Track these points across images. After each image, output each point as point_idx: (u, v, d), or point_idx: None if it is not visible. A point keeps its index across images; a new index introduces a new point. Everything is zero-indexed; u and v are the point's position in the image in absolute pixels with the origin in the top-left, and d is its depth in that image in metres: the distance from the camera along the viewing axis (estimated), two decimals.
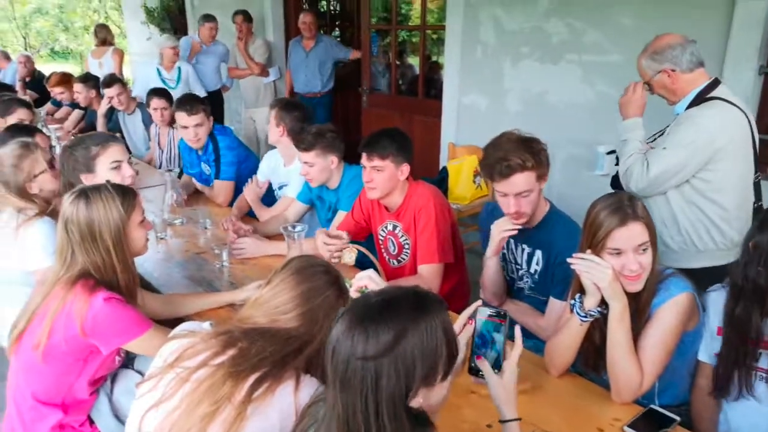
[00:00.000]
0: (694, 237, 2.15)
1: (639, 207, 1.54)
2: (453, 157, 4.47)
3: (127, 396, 1.69)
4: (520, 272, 2.12)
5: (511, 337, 1.36)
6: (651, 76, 2.16)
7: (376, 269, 1.82)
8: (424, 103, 5.16)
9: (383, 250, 2.46)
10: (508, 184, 1.90)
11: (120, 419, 1.68)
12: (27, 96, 5.84)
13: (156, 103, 3.87)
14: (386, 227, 2.42)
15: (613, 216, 1.52)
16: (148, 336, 1.57)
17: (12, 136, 2.45)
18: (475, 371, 1.36)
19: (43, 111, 5.62)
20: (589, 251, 1.56)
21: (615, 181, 2.33)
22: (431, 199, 2.28)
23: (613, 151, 2.45)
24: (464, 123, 4.56)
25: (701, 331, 1.66)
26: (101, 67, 6.09)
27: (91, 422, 1.67)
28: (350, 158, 2.74)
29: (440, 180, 4.14)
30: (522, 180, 1.88)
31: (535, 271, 2.05)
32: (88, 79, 5.01)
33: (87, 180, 2.07)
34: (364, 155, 2.26)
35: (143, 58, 8.44)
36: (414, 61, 5.86)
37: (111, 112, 4.60)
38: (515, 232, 1.97)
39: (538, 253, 2.03)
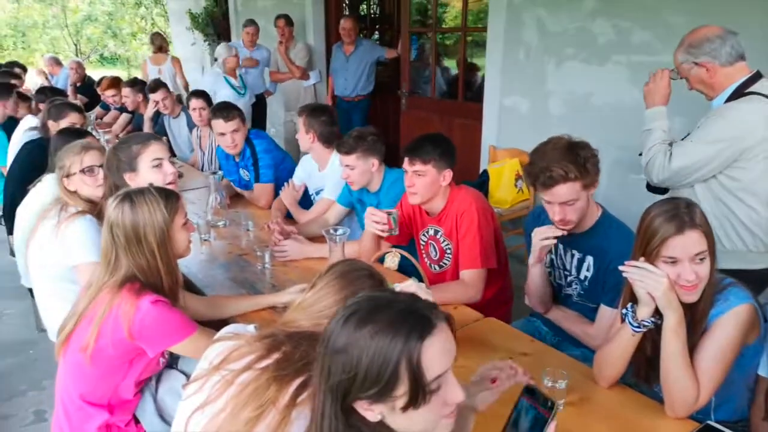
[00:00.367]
0: (722, 236, 2.07)
1: (697, 214, 1.47)
2: (493, 160, 4.40)
3: (172, 396, 1.71)
4: (569, 278, 2.06)
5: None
6: (687, 71, 2.11)
7: (419, 275, 1.80)
8: (464, 105, 5.11)
9: (424, 255, 2.43)
10: (551, 193, 1.85)
11: (164, 419, 1.70)
12: (78, 100, 6.05)
13: (195, 103, 3.97)
14: (428, 232, 2.39)
15: (669, 223, 1.45)
16: (193, 339, 1.58)
17: (64, 139, 2.54)
18: None
19: (92, 115, 5.80)
20: (642, 259, 1.50)
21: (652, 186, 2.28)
22: (473, 203, 2.24)
23: None
24: (505, 125, 4.50)
25: (763, 345, 1.58)
26: (161, 74, 6.36)
27: (137, 422, 1.69)
28: (389, 162, 2.73)
29: (480, 183, 4.10)
30: (565, 190, 1.83)
31: (585, 277, 1.99)
32: (135, 83, 5.15)
33: (130, 179, 2.11)
34: (406, 159, 2.24)
35: (188, 63, 8.64)
36: (450, 63, 5.82)
37: (157, 116, 4.71)
38: (554, 241, 1.91)
39: (589, 259, 1.96)
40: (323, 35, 6.45)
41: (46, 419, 2.62)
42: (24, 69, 6.76)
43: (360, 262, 1.36)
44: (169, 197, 1.65)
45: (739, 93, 2.03)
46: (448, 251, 2.32)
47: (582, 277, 2.01)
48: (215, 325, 1.91)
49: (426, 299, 1.03)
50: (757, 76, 2.05)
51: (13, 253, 4.30)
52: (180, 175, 2.62)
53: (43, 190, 2.49)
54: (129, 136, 2.29)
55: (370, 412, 0.94)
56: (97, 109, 6.06)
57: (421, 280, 1.79)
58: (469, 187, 2.39)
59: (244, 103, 5.29)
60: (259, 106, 6.05)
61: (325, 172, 3.01)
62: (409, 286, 1.35)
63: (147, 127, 4.65)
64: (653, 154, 2.11)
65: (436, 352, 0.95)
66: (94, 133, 4.21)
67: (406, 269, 2.19)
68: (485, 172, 4.26)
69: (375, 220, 2.25)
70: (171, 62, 6.57)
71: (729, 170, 2.02)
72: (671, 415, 1.49)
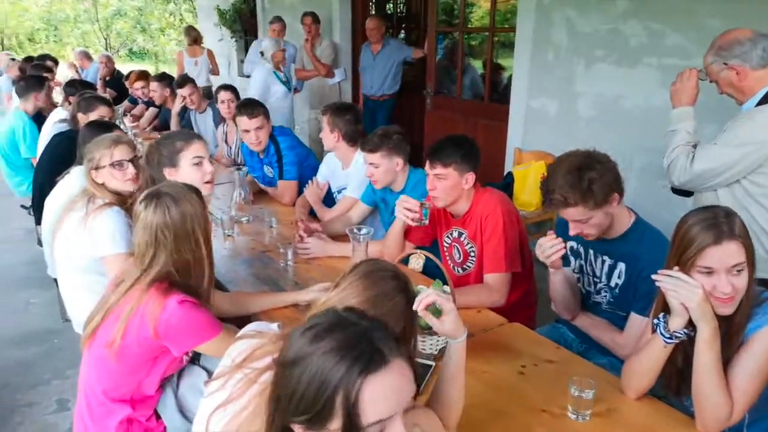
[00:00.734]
0: None
1: (737, 224, 1.41)
2: (519, 163, 4.34)
3: (193, 392, 1.71)
4: (599, 285, 2.01)
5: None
6: (717, 73, 2.06)
7: (443, 277, 1.77)
8: (490, 106, 5.05)
9: (448, 258, 2.40)
10: (561, 213, 1.83)
11: (185, 415, 1.70)
12: (107, 94, 6.13)
13: (223, 95, 4.04)
14: (451, 234, 2.36)
15: (706, 232, 1.40)
16: (218, 339, 1.58)
17: (92, 131, 2.56)
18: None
19: (121, 108, 5.88)
20: (676, 268, 1.45)
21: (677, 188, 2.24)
22: (498, 206, 2.20)
23: None
24: (531, 127, 4.43)
25: None
26: (197, 65, 6.67)
27: (158, 417, 1.70)
28: (412, 162, 2.70)
29: (505, 185, 4.04)
30: (571, 212, 1.80)
31: (616, 285, 1.94)
32: (163, 78, 5.20)
33: (169, 174, 2.14)
34: (427, 162, 2.22)
35: (216, 59, 8.72)
36: (476, 63, 5.77)
37: (184, 111, 4.75)
38: (557, 258, 1.87)
39: (621, 266, 1.91)
40: (349, 33, 6.45)
41: (69, 408, 2.66)
42: (56, 62, 6.88)
43: (384, 262, 1.33)
44: (198, 191, 1.67)
45: None
46: (472, 254, 2.29)
47: (612, 284, 1.96)
48: (237, 321, 1.92)
49: (385, 331, 0.90)
50: None
51: (41, 243, 4.39)
52: None
53: (71, 182, 2.51)
54: (172, 132, 2.34)
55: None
56: (125, 103, 6.15)
57: (445, 282, 1.77)
58: (494, 189, 2.35)
59: (291, 98, 5.34)
60: None
61: (349, 170, 3.01)
62: (429, 294, 1.32)
63: (174, 122, 4.70)
64: (676, 155, 2.08)
65: (381, 393, 0.82)
66: (121, 126, 4.26)
67: (430, 271, 2.17)
68: (510, 174, 4.20)
69: (407, 207, 2.22)
70: (206, 54, 6.77)
71: (753, 175, 1.98)
72: (702, 430, 1.45)
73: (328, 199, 3.13)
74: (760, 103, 1.99)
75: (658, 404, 1.57)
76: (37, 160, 3.63)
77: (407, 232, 2.42)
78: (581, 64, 3.97)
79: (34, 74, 4.94)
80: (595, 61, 3.88)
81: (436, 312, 1.34)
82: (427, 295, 1.32)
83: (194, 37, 6.88)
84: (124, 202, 2.18)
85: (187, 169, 2.16)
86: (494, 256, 2.14)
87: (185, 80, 4.64)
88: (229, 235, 2.73)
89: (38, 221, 3.31)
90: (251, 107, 3.18)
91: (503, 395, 1.58)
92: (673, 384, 1.57)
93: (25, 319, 3.47)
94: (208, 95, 6.26)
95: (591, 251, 2.02)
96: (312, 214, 3.01)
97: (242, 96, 4.21)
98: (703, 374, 1.43)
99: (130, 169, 2.20)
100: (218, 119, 4.49)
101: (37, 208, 3.31)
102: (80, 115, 3.35)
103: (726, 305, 1.42)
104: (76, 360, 2.96)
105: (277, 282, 2.28)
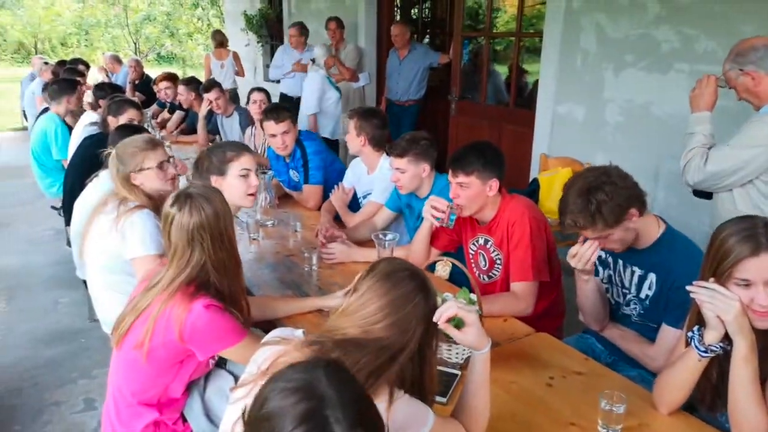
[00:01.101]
0: None
1: None
2: (545, 169, 4.30)
3: (219, 396, 1.71)
4: (628, 297, 1.96)
5: None
6: (734, 79, 2.15)
7: (469, 284, 1.75)
8: (515, 112, 5.01)
9: (473, 265, 2.38)
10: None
11: (211, 419, 1.70)
12: (136, 97, 6.23)
13: (256, 96, 4.13)
14: (477, 241, 2.33)
15: (744, 243, 1.36)
16: (242, 345, 1.58)
17: (123, 135, 2.59)
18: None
19: (149, 112, 5.97)
20: (712, 280, 1.41)
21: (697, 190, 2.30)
22: (526, 214, 2.17)
23: None
24: (558, 133, 4.38)
25: None
26: (223, 68, 6.96)
27: (184, 420, 1.70)
28: (436, 168, 2.68)
29: (530, 192, 4.00)
30: (585, 233, 1.78)
31: (647, 296, 1.89)
32: (190, 82, 5.27)
33: (216, 182, 2.15)
34: (450, 171, 2.20)
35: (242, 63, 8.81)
36: (501, 69, 5.73)
37: (210, 115, 4.80)
38: (590, 267, 1.83)
39: (652, 277, 1.87)
40: (374, 38, 6.46)
41: (96, 408, 2.69)
42: (87, 66, 7.02)
43: (401, 262, 1.31)
44: (221, 192, 1.70)
45: None
46: (498, 261, 2.26)
47: (643, 296, 1.91)
48: (263, 326, 1.92)
49: (344, 411, 0.84)
50: None
51: (70, 244, 4.47)
52: None
53: (101, 184, 2.55)
54: (224, 142, 2.36)
55: None
56: (154, 107, 6.24)
57: (471, 290, 1.75)
58: (521, 196, 2.32)
59: (341, 102, 5.41)
60: None
61: (374, 175, 3.00)
62: (450, 307, 1.30)
63: (201, 126, 4.75)
64: (691, 156, 2.17)
65: None
66: (150, 129, 4.32)
67: (456, 278, 2.15)
68: (535, 180, 4.16)
69: (435, 206, 2.20)
70: (232, 57, 7.01)
71: (766, 176, 2.05)
72: None
73: (354, 205, 3.13)
74: None
75: (691, 420, 1.52)
76: (68, 162, 3.70)
77: (433, 238, 2.40)
78: (610, 70, 3.91)
79: (67, 78, 5.04)
80: (624, 66, 3.82)
81: (459, 323, 1.32)
82: (448, 307, 1.29)
83: (220, 41, 7.11)
84: (155, 205, 2.21)
85: (233, 179, 2.18)
86: (521, 264, 2.11)
87: (212, 84, 4.69)
88: (254, 239, 2.74)
89: (68, 222, 3.37)
90: (278, 112, 3.20)
91: (530, 407, 1.55)
92: (708, 399, 1.52)
93: (53, 319, 3.53)
94: (234, 97, 6.34)
95: (620, 261, 1.98)
96: (337, 219, 3.01)
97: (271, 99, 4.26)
98: (739, 390, 1.38)
99: (171, 170, 2.28)
100: (245, 122, 4.53)
101: (67, 210, 3.37)
102: (110, 118, 3.41)
103: (764, 319, 1.38)
104: (102, 360, 3.03)
105: (301, 287, 2.28)
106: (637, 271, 1.93)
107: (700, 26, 3.37)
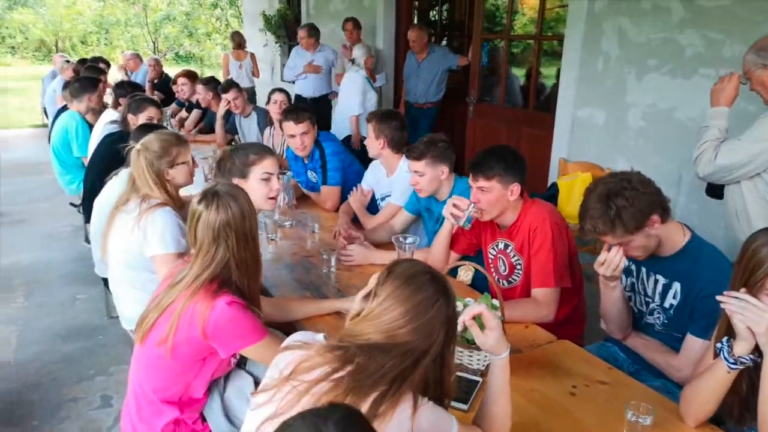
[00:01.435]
0: None
1: None
2: (564, 173, 4.25)
3: (239, 397, 1.71)
4: (651, 306, 1.92)
5: None
6: (752, 72, 2.22)
7: (490, 290, 1.73)
8: (534, 115, 4.97)
9: (492, 270, 2.35)
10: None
11: (230, 419, 1.69)
12: (155, 96, 6.27)
13: (277, 96, 4.14)
14: (497, 246, 2.31)
15: None
16: (264, 344, 1.58)
17: (143, 133, 2.60)
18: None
19: (168, 111, 6.01)
20: (743, 290, 1.38)
21: (710, 189, 2.40)
22: (547, 219, 2.14)
23: None
24: (578, 137, 4.34)
25: None
26: (241, 68, 7.21)
27: (203, 420, 1.70)
28: (456, 171, 2.65)
29: (549, 197, 3.95)
30: (605, 239, 1.75)
31: (671, 305, 1.85)
32: (208, 81, 5.29)
33: (237, 184, 2.14)
34: (470, 175, 2.18)
35: (259, 64, 8.85)
36: (520, 72, 5.69)
37: (228, 115, 4.81)
38: (618, 273, 1.79)
39: (676, 285, 1.83)
40: (393, 40, 6.46)
41: (112, 405, 2.70)
42: (108, 64, 7.09)
43: (421, 264, 1.29)
44: (245, 191, 1.71)
45: None
46: (518, 267, 2.23)
47: (667, 305, 1.87)
48: (281, 328, 1.91)
49: None
50: None
51: (88, 240, 4.51)
52: None
53: (121, 183, 2.55)
54: (247, 144, 2.39)
55: None
56: (173, 106, 6.27)
57: (493, 295, 1.73)
58: (543, 200, 2.29)
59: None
60: (323, 107, 6.11)
61: (393, 177, 2.99)
62: (474, 307, 1.29)
63: (219, 125, 4.76)
64: (704, 149, 2.22)
65: None
66: (169, 128, 4.34)
67: (476, 283, 2.12)
68: (554, 185, 4.11)
69: (456, 204, 2.18)
70: (250, 58, 7.27)
71: None
72: None
73: (372, 207, 3.11)
74: None
75: None
76: (89, 159, 3.73)
77: (452, 242, 2.38)
78: (633, 74, 3.87)
79: (88, 75, 5.08)
80: (647, 71, 3.77)
81: (481, 326, 1.33)
82: (475, 307, 1.31)
83: (238, 42, 7.33)
84: (177, 203, 2.22)
85: (254, 182, 2.20)
86: (543, 270, 2.08)
87: (230, 85, 4.70)
88: (272, 239, 2.74)
89: (87, 219, 3.40)
90: (297, 112, 3.19)
91: (554, 416, 1.52)
92: (736, 412, 1.49)
93: (71, 315, 3.56)
94: (251, 97, 6.37)
95: (643, 269, 1.94)
96: (355, 221, 3.00)
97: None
98: None
99: (193, 167, 2.35)
100: (263, 123, 4.53)
101: (86, 207, 3.40)
102: (130, 116, 3.43)
103: None
104: (119, 357, 3.05)
105: (320, 288, 2.27)
106: (662, 280, 1.89)
107: (725, 30, 3.31)
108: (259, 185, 2.19)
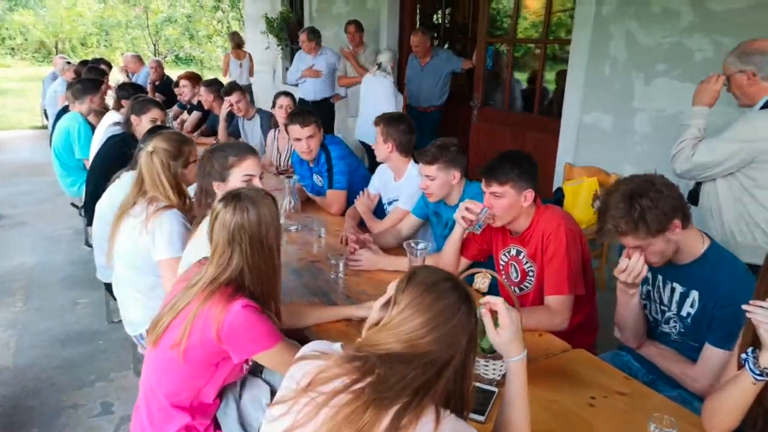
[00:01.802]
0: (736, 232, 2.27)
1: None
2: (569, 178, 4.22)
3: (254, 405, 1.68)
4: (667, 314, 1.88)
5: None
6: (732, 73, 2.29)
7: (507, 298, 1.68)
8: (538, 119, 4.94)
9: (504, 276, 2.31)
10: (617, 241, 1.75)
11: (244, 427, 1.66)
12: (157, 98, 6.24)
13: (282, 100, 4.12)
14: (509, 252, 2.27)
15: None
16: (277, 350, 1.55)
17: (154, 136, 2.56)
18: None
19: (170, 113, 5.98)
20: None
21: (689, 196, 2.43)
22: (562, 225, 2.10)
23: None
24: (584, 142, 4.30)
25: None
26: (241, 67, 7.74)
27: (215, 426, 1.66)
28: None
29: (555, 201, 3.92)
30: (625, 241, 1.71)
31: (688, 314, 1.81)
32: (210, 83, 5.26)
33: (218, 188, 2.08)
34: (483, 180, 2.14)
35: (259, 66, 8.82)
36: (523, 76, 5.66)
37: (231, 117, 4.77)
38: (639, 281, 1.76)
39: (694, 294, 1.79)
40: (396, 44, 6.43)
41: (113, 412, 2.65)
42: (109, 66, 7.05)
43: (441, 271, 1.25)
44: (274, 199, 1.69)
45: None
46: (531, 273, 2.19)
47: (684, 313, 1.83)
48: (287, 333, 1.87)
49: None
50: None
51: (89, 244, 4.46)
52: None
53: (124, 185, 2.51)
54: (227, 143, 2.29)
55: None
56: (174, 108, 6.24)
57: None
58: (556, 206, 2.26)
59: None
60: (327, 110, 6.07)
61: (401, 182, 2.95)
62: (496, 302, 1.29)
63: (221, 128, 4.72)
64: (682, 147, 2.29)
65: None
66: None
67: (491, 291, 2.08)
68: (560, 189, 4.08)
69: (469, 207, 2.14)
70: (249, 57, 7.83)
71: (747, 170, 2.18)
72: None
73: (378, 211, 3.08)
74: (761, 109, 2.23)
75: None
76: (91, 161, 3.68)
77: (462, 247, 2.34)
78: (641, 79, 3.83)
79: (90, 77, 5.04)
80: (655, 75, 3.74)
81: (495, 322, 1.32)
82: (495, 301, 1.32)
83: (237, 42, 7.92)
84: (184, 205, 2.18)
85: (235, 185, 2.07)
86: (556, 276, 2.04)
87: (233, 87, 4.66)
88: None
89: (89, 222, 3.35)
90: (303, 116, 3.16)
91: (573, 428, 1.48)
92: (760, 425, 1.44)
93: (71, 319, 3.51)
94: (249, 94, 6.38)
95: (660, 277, 1.90)
96: (361, 225, 2.95)
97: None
98: None
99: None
100: (267, 126, 4.50)
101: (88, 210, 3.35)
102: (134, 117, 3.39)
103: None
104: (120, 363, 3.00)
105: (328, 294, 2.23)
106: (679, 288, 1.85)
107: (735, 35, 3.26)
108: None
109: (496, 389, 1.60)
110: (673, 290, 1.87)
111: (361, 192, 3.08)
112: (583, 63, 4.16)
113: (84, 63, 7.32)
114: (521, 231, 2.19)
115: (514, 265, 2.25)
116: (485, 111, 5.41)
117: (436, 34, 6.93)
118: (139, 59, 8.33)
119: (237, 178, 2.10)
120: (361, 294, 2.21)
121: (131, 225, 2.13)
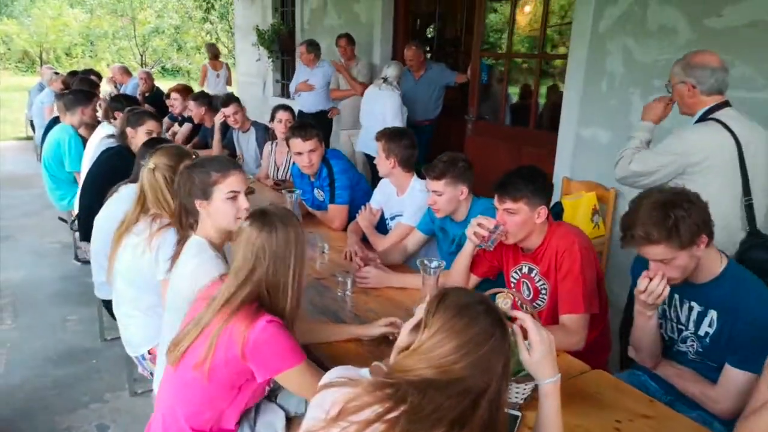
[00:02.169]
0: None
1: None
2: (567, 193, 4.21)
3: (268, 430, 1.62)
4: (684, 333, 1.86)
5: None
6: (676, 83, 2.39)
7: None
8: (535, 134, 4.94)
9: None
10: (641, 251, 1.72)
11: None
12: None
13: (281, 114, 4.04)
14: (521, 269, 2.23)
15: None
16: (301, 369, 1.51)
17: (150, 148, 2.50)
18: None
19: (162, 125, 5.90)
20: None
21: None
22: (576, 242, 2.07)
23: None
24: (581, 157, 4.30)
25: None
26: (218, 77, 8.02)
27: None
28: None
29: (553, 215, 3.89)
30: (653, 251, 1.68)
31: (707, 333, 1.79)
32: (198, 97, 5.21)
33: (201, 206, 1.94)
34: (496, 197, 2.11)
35: (249, 78, 8.77)
36: (512, 90, 5.68)
37: (226, 129, 4.70)
38: (660, 302, 1.74)
39: (712, 314, 1.77)
40: (390, 57, 6.41)
41: None
42: (99, 77, 6.95)
43: (473, 293, 1.22)
44: (299, 219, 1.67)
45: (704, 117, 2.33)
46: (543, 291, 2.16)
47: (702, 333, 1.81)
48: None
49: None
50: (722, 105, 2.32)
51: (78, 258, 4.35)
52: (251, 191, 2.54)
53: (123, 199, 2.45)
54: (206, 158, 2.10)
55: None
56: (166, 120, 6.15)
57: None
58: (569, 224, 2.23)
59: None
60: (323, 122, 6.03)
61: (404, 197, 2.91)
62: (525, 319, 1.29)
63: (216, 140, 4.65)
64: (624, 155, 2.44)
65: None
66: None
67: None
68: (558, 204, 4.06)
69: (481, 223, 2.11)
70: (226, 68, 8.16)
71: (678, 179, 2.28)
72: None
73: (380, 226, 3.03)
74: (697, 122, 2.34)
75: None
76: (85, 175, 3.58)
77: (472, 265, 2.30)
78: (637, 95, 3.85)
79: (81, 88, 4.95)
80: (652, 91, 3.74)
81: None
82: (524, 318, 1.31)
83: (214, 53, 8.34)
84: (182, 223, 2.11)
85: (219, 202, 1.93)
86: (571, 295, 2.00)
87: (230, 99, 4.61)
88: None
89: (83, 237, 3.26)
90: (305, 129, 3.12)
91: None
92: None
93: (62, 337, 3.40)
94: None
95: (676, 296, 1.88)
96: (364, 241, 2.91)
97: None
98: None
99: None
100: (262, 139, 4.44)
101: (83, 224, 3.26)
102: (129, 130, 3.31)
103: None
104: (115, 383, 2.90)
105: (336, 313, 2.17)
106: (696, 307, 1.83)
107: (734, 51, 3.30)
108: (225, 205, 1.93)
109: (519, 413, 1.55)
110: (690, 309, 1.84)
111: (363, 207, 3.04)
112: (580, 78, 4.17)
113: (73, 74, 7.21)
114: (534, 248, 2.16)
115: (526, 283, 2.22)
116: (480, 125, 5.40)
117: (429, 48, 6.95)
118: (125, 70, 8.25)
119: (222, 194, 1.94)
120: (369, 312, 2.16)
121: (134, 243, 2.07)
